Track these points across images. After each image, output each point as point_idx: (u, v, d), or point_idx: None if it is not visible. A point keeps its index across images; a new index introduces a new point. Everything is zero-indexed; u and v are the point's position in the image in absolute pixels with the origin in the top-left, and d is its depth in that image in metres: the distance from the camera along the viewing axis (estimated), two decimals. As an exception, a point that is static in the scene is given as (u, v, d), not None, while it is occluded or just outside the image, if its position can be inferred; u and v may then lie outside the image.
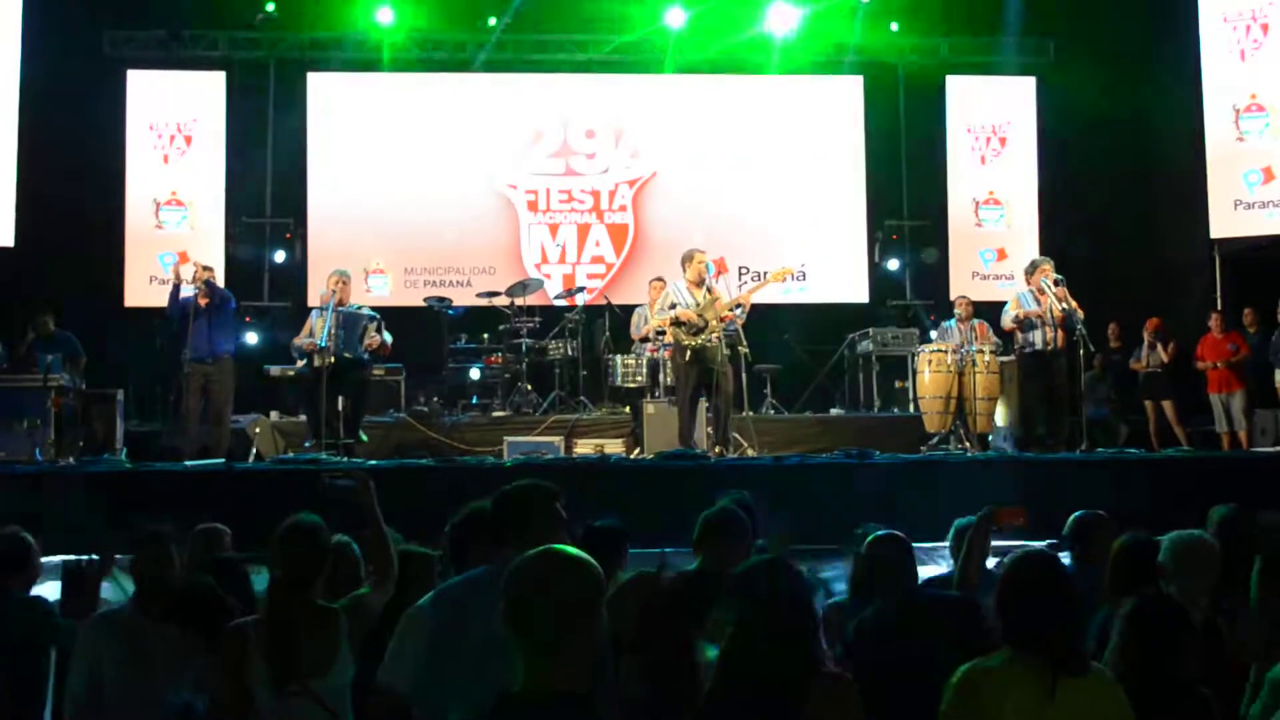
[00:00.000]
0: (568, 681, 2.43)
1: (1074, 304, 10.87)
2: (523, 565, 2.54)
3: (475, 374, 13.31)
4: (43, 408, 10.69)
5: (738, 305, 10.78)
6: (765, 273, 12.99)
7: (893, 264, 15.93)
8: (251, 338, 14.01)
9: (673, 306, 10.77)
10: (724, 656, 3.50)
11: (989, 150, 16.02)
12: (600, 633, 2.53)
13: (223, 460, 10.25)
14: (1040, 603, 3.42)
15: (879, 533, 4.67)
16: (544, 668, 2.44)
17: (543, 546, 2.61)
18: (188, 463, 9.91)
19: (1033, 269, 11.33)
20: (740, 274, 14.47)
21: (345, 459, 9.92)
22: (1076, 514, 5.45)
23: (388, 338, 11.36)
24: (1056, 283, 10.98)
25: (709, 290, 10.75)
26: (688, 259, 10.87)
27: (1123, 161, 15.27)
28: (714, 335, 10.48)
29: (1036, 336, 11.14)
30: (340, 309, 10.88)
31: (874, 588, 4.62)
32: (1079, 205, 15.41)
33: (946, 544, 5.58)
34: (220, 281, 11.83)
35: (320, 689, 4.02)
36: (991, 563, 5.22)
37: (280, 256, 15.27)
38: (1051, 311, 10.95)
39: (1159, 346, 13.49)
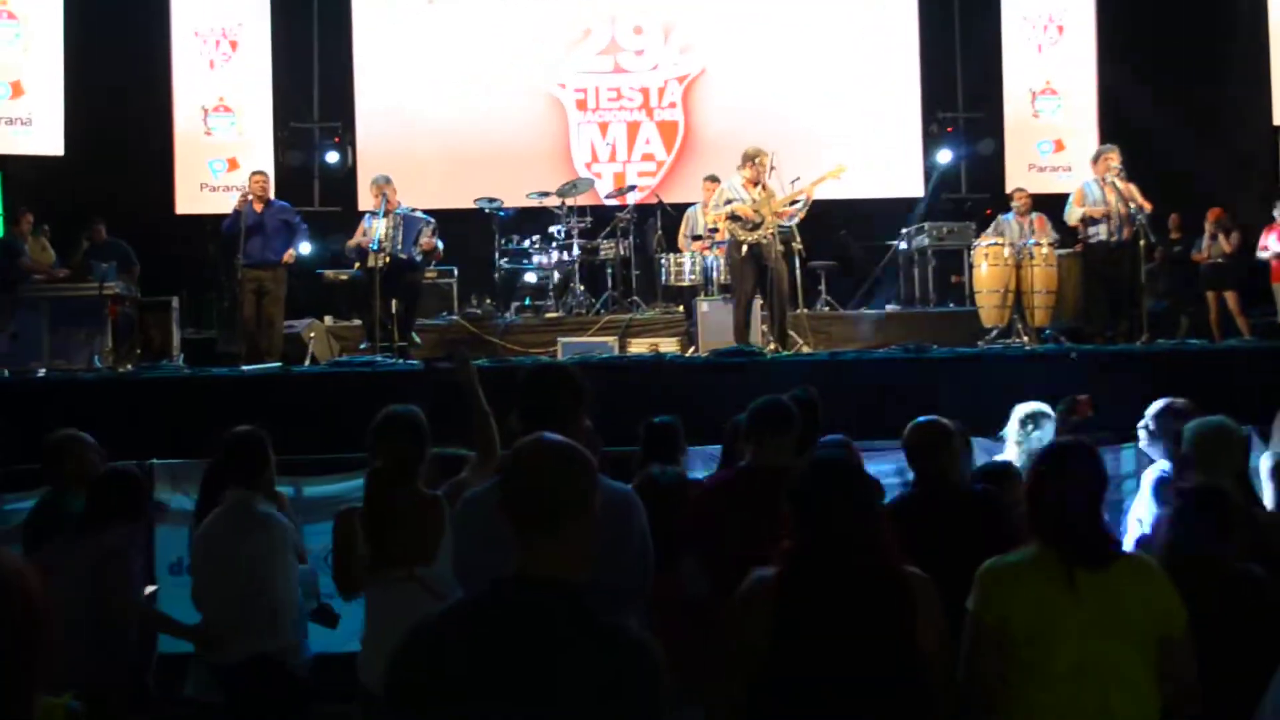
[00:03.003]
0: (562, 568, 2.41)
1: (1140, 197, 10.70)
2: (517, 452, 2.52)
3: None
4: (99, 316, 10.78)
5: (795, 201, 10.63)
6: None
7: (945, 155, 15.61)
8: (305, 247, 13.95)
9: (728, 202, 10.63)
10: (798, 552, 3.45)
11: (1045, 39, 15.61)
12: (593, 524, 2.49)
13: (279, 364, 10.30)
14: (1058, 491, 3.35)
15: (919, 420, 4.62)
16: (539, 553, 2.42)
17: (535, 434, 2.59)
18: (244, 367, 9.98)
19: (1097, 158, 11.12)
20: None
21: (400, 361, 9.95)
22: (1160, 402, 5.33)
23: (439, 244, 11.33)
24: (1120, 174, 10.79)
25: (763, 188, 10.60)
26: (751, 157, 10.61)
27: (1182, 49, 14.86)
28: (769, 232, 10.37)
29: (1101, 228, 10.97)
30: (396, 211, 10.88)
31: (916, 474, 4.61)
32: (1138, 94, 15.02)
33: (1014, 435, 5.52)
34: (270, 186, 11.75)
35: (426, 575, 4.06)
36: None
37: (330, 160, 15.20)
38: (1115, 204, 10.77)
39: (1221, 237, 13.23)
